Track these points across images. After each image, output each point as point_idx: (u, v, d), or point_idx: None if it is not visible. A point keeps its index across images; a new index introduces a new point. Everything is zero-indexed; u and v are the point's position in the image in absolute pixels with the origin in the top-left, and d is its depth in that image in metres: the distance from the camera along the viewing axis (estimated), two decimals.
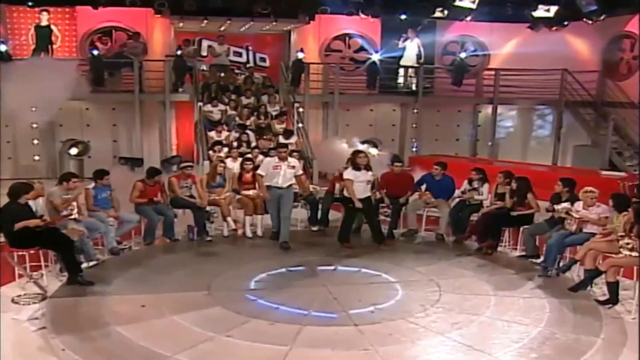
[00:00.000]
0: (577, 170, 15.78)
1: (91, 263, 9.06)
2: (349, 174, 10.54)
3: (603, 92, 19.66)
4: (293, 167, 10.81)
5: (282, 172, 10.64)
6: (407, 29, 20.11)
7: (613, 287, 8.00)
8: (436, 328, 7.20)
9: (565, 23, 19.16)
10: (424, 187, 11.49)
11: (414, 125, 20.22)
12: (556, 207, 9.59)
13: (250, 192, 11.19)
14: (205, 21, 18.46)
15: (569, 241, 9.18)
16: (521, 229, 10.29)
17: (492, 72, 20.02)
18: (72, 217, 9.04)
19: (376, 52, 19.82)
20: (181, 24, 19.32)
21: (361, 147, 17.51)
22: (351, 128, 19.27)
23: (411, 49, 20.24)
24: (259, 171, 10.92)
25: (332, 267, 9.44)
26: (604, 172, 15.63)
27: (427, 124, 20.19)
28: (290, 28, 20.44)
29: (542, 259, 9.63)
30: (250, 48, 21.13)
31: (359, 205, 10.37)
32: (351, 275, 9.09)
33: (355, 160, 10.57)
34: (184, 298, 8.01)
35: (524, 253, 10.15)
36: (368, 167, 10.63)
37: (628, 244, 8.11)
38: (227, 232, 11.15)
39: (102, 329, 7.02)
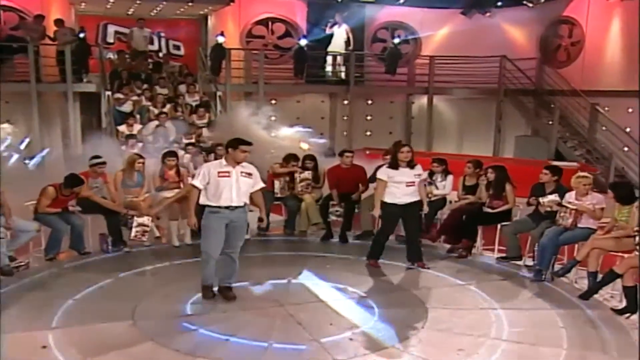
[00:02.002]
0: (524, 162, 14.69)
1: None
2: (382, 172, 8.17)
3: (542, 80, 18.76)
4: (249, 174, 6.87)
5: (233, 182, 6.77)
6: (334, 14, 18.65)
7: (632, 293, 6.66)
8: (438, 357, 5.60)
9: (500, 4, 18.27)
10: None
11: (345, 118, 18.73)
12: (542, 200, 8.21)
13: (174, 192, 9.29)
14: (111, 2, 16.31)
15: (564, 239, 7.81)
16: (499, 226, 8.87)
17: (427, 60, 18.75)
18: None
19: (304, 37, 18.14)
20: (83, 5, 17.14)
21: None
22: (277, 121, 17.53)
23: (339, 35, 18.83)
24: (194, 182, 6.88)
25: (285, 281, 7.71)
26: (554, 163, 14.54)
27: (358, 116, 18.79)
28: (207, 11, 18.63)
29: (524, 260, 8.46)
30: (162, 34, 19.08)
31: (376, 212, 8.26)
32: (311, 291, 7.34)
33: (396, 155, 8.10)
34: (102, 332, 6.05)
35: (504, 255, 8.72)
36: (411, 164, 8.12)
37: None
38: (149, 240, 9.18)
39: None
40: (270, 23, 19.12)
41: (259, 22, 19.07)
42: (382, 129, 19.41)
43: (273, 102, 18.00)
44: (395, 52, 18.62)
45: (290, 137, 15.48)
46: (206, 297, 6.93)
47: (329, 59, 19.05)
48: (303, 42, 17.85)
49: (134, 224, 8.61)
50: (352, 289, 7.41)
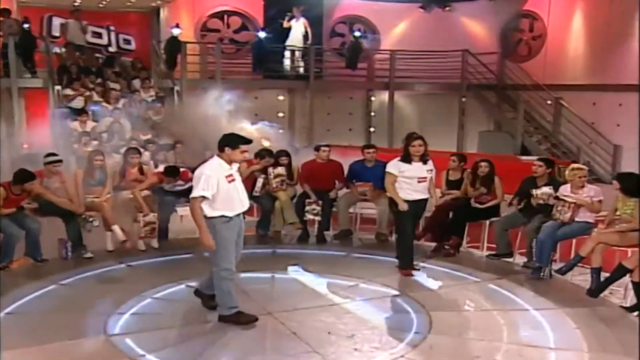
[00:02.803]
0: (492, 157, 14.37)
1: None
2: (392, 166, 7.52)
3: (504, 75, 18.53)
4: (240, 174, 6.21)
5: (238, 185, 5.91)
6: (291, 7, 18.03)
7: None
8: None
9: None
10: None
11: (304, 114, 18.15)
12: (535, 192, 7.78)
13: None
14: None
15: (562, 234, 7.42)
16: (487, 222, 8.44)
17: (387, 55, 18.28)
18: None
19: (262, 30, 17.49)
20: None
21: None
22: (236, 117, 16.82)
23: (297, 29, 18.17)
24: (202, 193, 5.65)
25: (267, 286, 7.10)
26: (523, 158, 14.34)
27: (317, 112, 18.18)
28: (159, 4, 17.73)
29: (515, 257, 8.11)
30: (112, 28, 18.10)
31: (403, 207, 7.44)
32: (297, 296, 6.76)
33: (407, 149, 7.46)
34: (71, 350, 5.34)
35: (494, 252, 8.29)
36: (424, 159, 7.52)
37: None
38: (112, 245, 8.42)
39: None
40: (226, 16, 18.41)
41: (214, 15, 18.34)
42: (341, 126, 18.89)
43: (231, 97, 17.34)
44: (356, 47, 18.11)
45: (252, 133, 14.82)
46: (249, 322, 5.84)
47: (287, 53, 18.41)
48: (262, 34, 17.18)
49: (141, 223, 8.26)
50: (341, 292, 6.86)
